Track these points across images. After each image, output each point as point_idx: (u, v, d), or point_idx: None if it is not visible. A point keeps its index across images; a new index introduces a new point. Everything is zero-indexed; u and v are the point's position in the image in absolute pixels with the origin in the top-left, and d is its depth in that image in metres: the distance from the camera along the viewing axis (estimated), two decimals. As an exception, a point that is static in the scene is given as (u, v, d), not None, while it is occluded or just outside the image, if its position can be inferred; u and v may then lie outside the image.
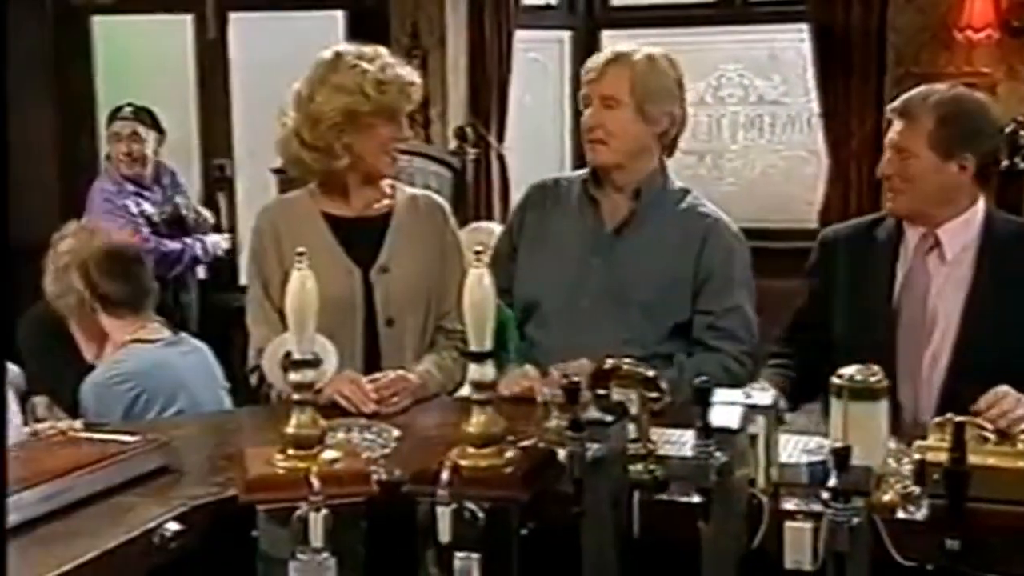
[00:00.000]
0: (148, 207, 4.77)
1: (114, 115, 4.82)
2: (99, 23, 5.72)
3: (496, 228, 3.72)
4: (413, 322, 2.49)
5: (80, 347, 3.60)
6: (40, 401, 3.43)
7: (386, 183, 2.57)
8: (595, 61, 2.55)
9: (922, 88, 2.41)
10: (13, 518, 1.64)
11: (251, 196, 5.21)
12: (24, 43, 5.58)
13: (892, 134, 2.40)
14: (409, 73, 2.48)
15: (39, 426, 2.88)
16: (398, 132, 2.48)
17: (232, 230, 5.39)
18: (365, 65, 2.43)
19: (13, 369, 3.86)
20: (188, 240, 4.83)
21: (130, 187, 4.75)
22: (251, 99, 5.37)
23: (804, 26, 5.21)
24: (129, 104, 4.83)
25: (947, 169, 2.33)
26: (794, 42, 5.46)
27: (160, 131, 4.85)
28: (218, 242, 5.03)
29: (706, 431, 1.58)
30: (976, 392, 2.04)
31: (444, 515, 1.67)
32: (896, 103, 2.40)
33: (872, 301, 2.40)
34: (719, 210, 2.63)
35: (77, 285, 3.56)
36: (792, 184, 5.60)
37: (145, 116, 4.79)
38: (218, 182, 5.25)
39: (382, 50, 2.50)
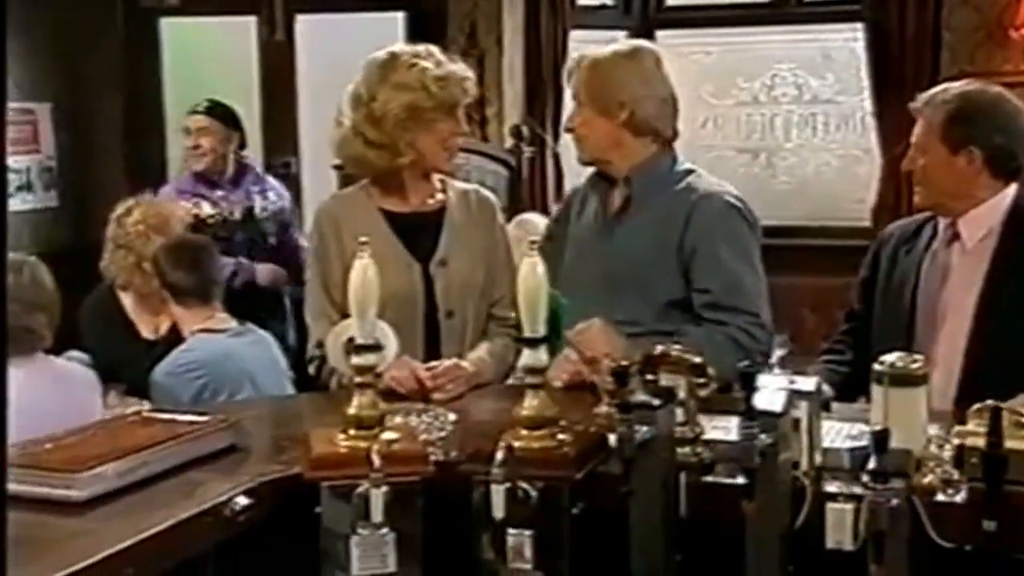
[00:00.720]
0: (207, 208, 4.50)
1: (191, 111, 4.66)
2: (167, 25, 5.87)
3: (540, 220, 3.81)
4: (470, 313, 2.58)
5: (137, 327, 3.75)
6: (114, 390, 3.56)
7: (436, 179, 2.66)
8: (571, 62, 2.74)
9: (941, 86, 2.51)
10: (97, 488, 1.76)
11: (316, 192, 5.33)
12: (95, 45, 5.76)
13: (914, 131, 2.52)
14: (462, 69, 2.59)
15: (115, 411, 3.02)
16: (457, 127, 2.57)
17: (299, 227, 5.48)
18: (423, 63, 2.53)
19: (81, 356, 4.00)
20: (236, 259, 4.39)
21: (192, 186, 4.52)
22: (316, 98, 5.48)
23: (858, 25, 5.23)
24: (207, 100, 4.68)
25: (956, 163, 2.44)
26: (848, 41, 5.47)
27: (237, 128, 4.62)
28: (275, 274, 4.52)
29: (750, 414, 1.64)
30: (997, 379, 2.08)
31: (498, 493, 1.75)
32: (915, 101, 2.50)
33: (898, 290, 2.51)
34: (721, 186, 2.63)
35: (131, 260, 3.71)
36: (845, 183, 5.61)
37: (219, 111, 4.60)
38: (283, 179, 5.34)
39: (433, 48, 2.61)
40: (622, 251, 2.58)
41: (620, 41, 2.73)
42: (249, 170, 4.69)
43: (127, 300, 3.77)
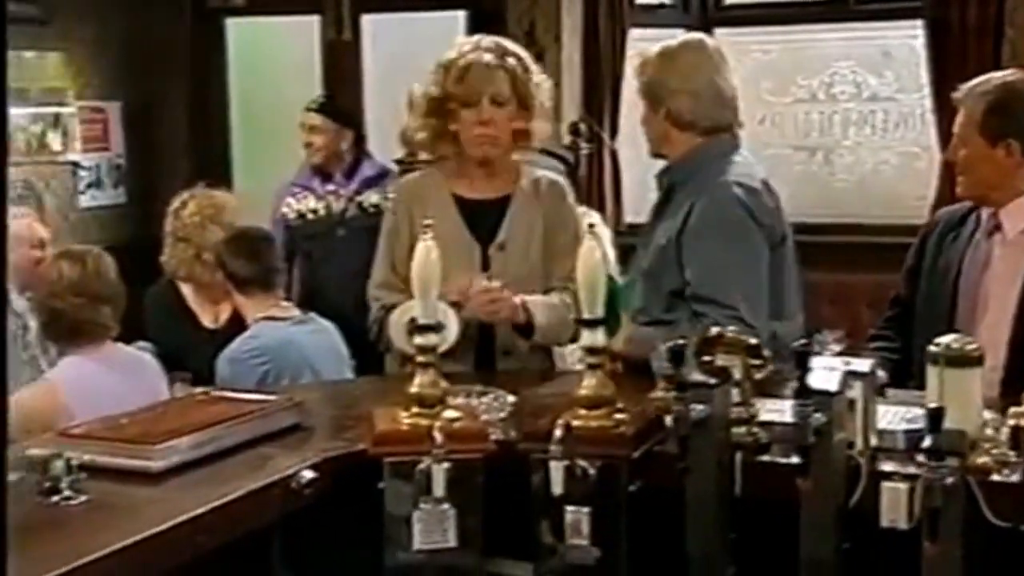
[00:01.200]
0: (311, 202, 4.60)
1: (305, 108, 4.72)
2: (233, 25, 5.98)
3: (594, 215, 3.88)
4: (527, 294, 2.63)
5: (199, 316, 3.85)
6: (180, 381, 3.66)
7: (512, 166, 2.76)
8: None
9: (983, 76, 2.52)
10: (171, 460, 1.83)
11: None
12: (164, 45, 5.89)
13: (955, 121, 2.55)
14: (491, 59, 2.65)
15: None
16: (477, 116, 2.64)
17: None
18: (451, 54, 2.69)
19: (148, 346, 4.11)
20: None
21: (307, 180, 4.63)
22: (380, 95, 5.56)
23: (918, 22, 5.19)
24: (321, 96, 4.84)
25: (995, 155, 2.46)
26: (907, 39, 5.43)
27: (348, 124, 4.70)
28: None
29: (805, 393, 1.67)
30: None
31: (557, 469, 1.79)
32: (956, 92, 2.50)
33: (942, 278, 2.53)
34: (744, 176, 2.58)
35: (191, 252, 3.81)
36: (904, 180, 5.57)
37: (329, 108, 4.69)
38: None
39: (489, 40, 2.72)
40: (652, 242, 2.63)
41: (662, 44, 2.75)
42: (368, 165, 4.71)
43: (187, 291, 3.87)
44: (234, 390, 2.35)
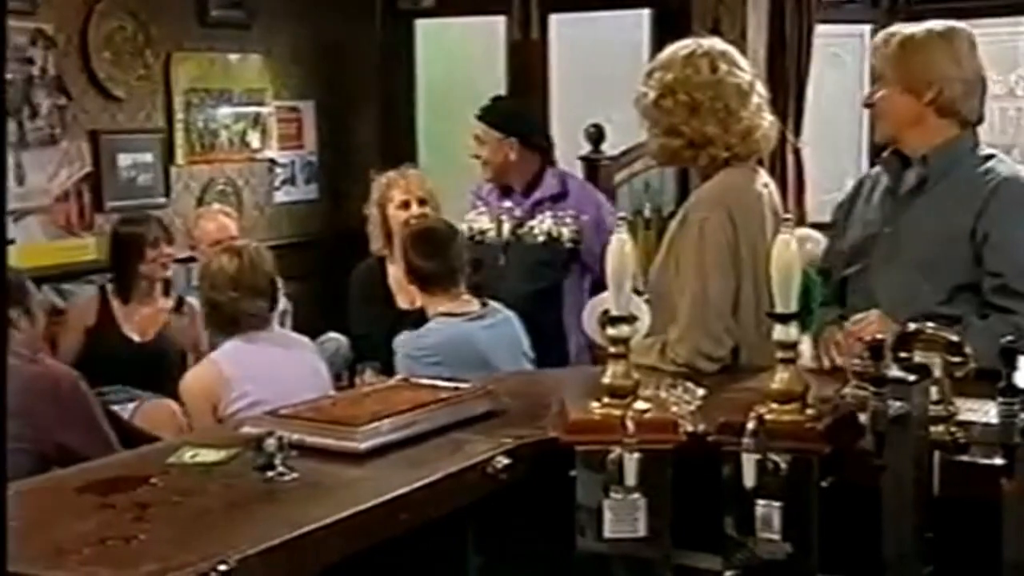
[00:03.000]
0: (484, 222, 4.13)
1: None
2: (422, 26, 6.14)
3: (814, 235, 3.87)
4: None
5: (396, 296, 4.01)
6: (370, 368, 3.82)
7: None
8: (876, 38, 2.69)
9: None
10: (374, 441, 1.91)
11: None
12: (356, 46, 6.11)
13: None
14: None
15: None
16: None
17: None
18: None
19: (341, 339, 4.30)
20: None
21: (486, 193, 4.19)
22: (567, 93, 5.63)
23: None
24: (490, 99, 4.30)
25: None
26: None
27: (510, 132, 4.05)
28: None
29: (1011, 391, 1.63)
30: None
31: (749, 462, 1.79)
32: None
33: None
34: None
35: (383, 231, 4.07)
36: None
37: (491, 116, 4.11)
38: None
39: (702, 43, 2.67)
40: (912, 231, 2.54)
41: (932, 21, 2.65)
42: (550, 177, 4.08)
43: (392, 269, 4.02)
44: (431, 376, 2.43)
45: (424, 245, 3.64)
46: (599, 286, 3.15)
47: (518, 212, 4.05)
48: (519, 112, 4.31)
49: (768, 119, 2.63)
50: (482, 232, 4.10)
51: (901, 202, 2.60)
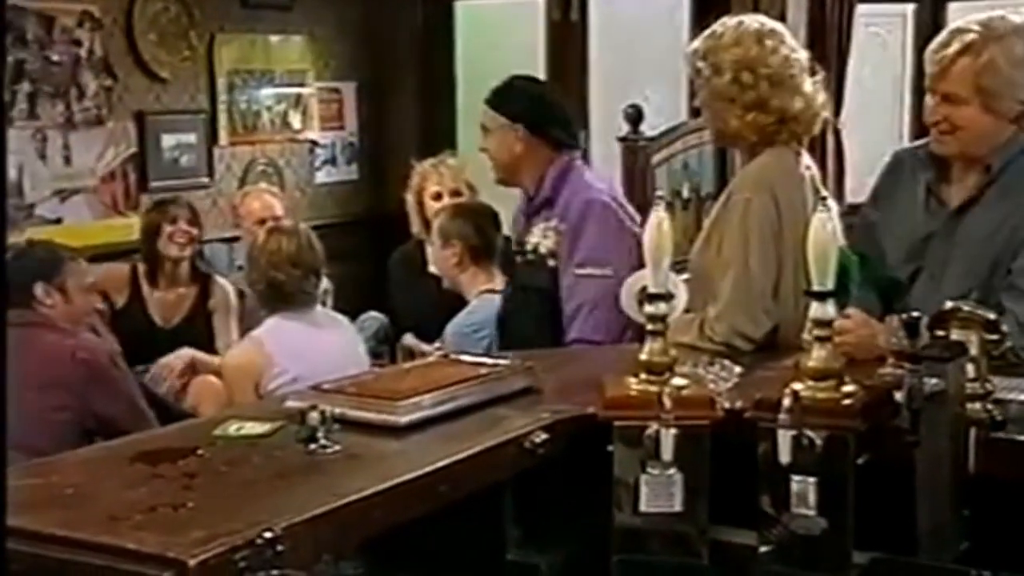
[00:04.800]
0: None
1: None
2: (461, 8, 6.16)
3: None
4: None
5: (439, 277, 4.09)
6: (408, 337, 3.90)
7: None
8: (939, 51, 2.45)
9: None
10: (414, 415, 1.94)
11: (604, 163, 5.48)
12: (396, 28, 6.14)
13: None
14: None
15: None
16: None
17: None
18: None
19: (381, 318, 4.37)
20: None
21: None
22: (606, 74, 5.64)
23: None
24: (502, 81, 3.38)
25: None
26: None
27: (519, 119, 3.18)
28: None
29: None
30: None
31: (785, 438, 1.81)
32: None
33: None
34: None
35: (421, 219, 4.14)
36: None
37: (496, 98, 3.27)
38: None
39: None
40: (970, 235, 2.45)
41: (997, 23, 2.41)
42: (547, 183, 3.17)
43: (431, 253, 4.08)
44: (469, 354, 2.47)
45: (474, 219, 3.73)
46: (555, 312, 2.99)
47: (520, 226, 3.24)
48: (536, 95, 3.32)
49: (823, 96, 2.63)
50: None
51: (952, 215, 2.49)
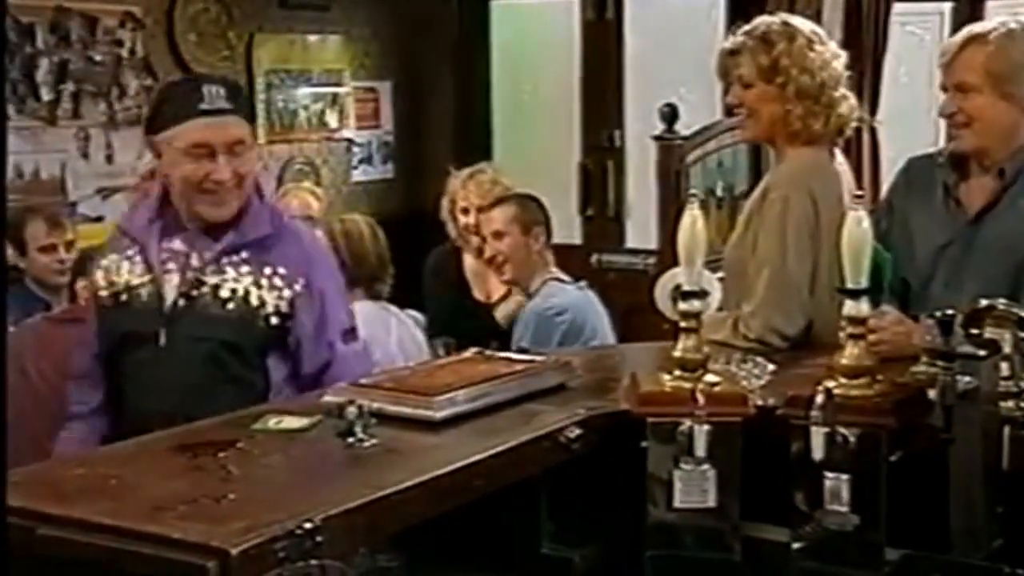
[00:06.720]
0: (129, 272, 2.55)
1: None
2: (497, 7, 6.19)
3: None
4: None
5: (472, 287, 4.12)
6: (444, 344, 3.92)
7: None
8: (947, 45, 2.53)
9: None
10: (450, 410, 1.97)
11: (638, 163, 5.50)
12: (432, 27, 6.18)
13: None
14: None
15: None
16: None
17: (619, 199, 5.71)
18: None
19: (417, 316, 4.41)
20: None
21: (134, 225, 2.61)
22: (641, 72, 5.65)
23: None
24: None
25: None
26: None
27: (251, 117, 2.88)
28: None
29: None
30: None
31: (818, 434, 1.82)
32: None
33: None
34: None
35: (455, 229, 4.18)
36: None
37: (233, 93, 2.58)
38: (607, 151, 5.54)
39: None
40: (988, 243, 2.45)
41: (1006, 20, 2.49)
42: (258, 217, 2.55)
43: (468, 260, 4.10)
44: (502, 349, 2.50)
45: (531, 207, 3.83)
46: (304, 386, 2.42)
47: (195, 261, 2.52)
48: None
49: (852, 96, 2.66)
50: (129, 289, 2.54)
51: (969, 223, 2.50)
